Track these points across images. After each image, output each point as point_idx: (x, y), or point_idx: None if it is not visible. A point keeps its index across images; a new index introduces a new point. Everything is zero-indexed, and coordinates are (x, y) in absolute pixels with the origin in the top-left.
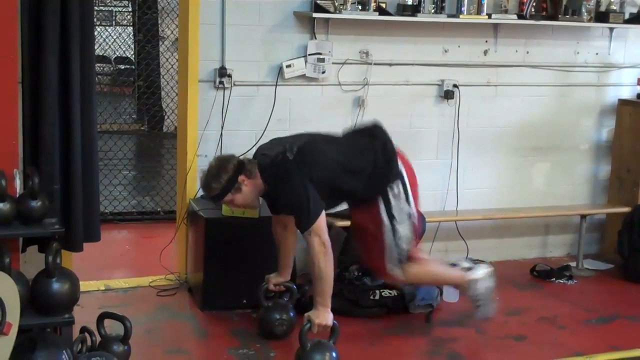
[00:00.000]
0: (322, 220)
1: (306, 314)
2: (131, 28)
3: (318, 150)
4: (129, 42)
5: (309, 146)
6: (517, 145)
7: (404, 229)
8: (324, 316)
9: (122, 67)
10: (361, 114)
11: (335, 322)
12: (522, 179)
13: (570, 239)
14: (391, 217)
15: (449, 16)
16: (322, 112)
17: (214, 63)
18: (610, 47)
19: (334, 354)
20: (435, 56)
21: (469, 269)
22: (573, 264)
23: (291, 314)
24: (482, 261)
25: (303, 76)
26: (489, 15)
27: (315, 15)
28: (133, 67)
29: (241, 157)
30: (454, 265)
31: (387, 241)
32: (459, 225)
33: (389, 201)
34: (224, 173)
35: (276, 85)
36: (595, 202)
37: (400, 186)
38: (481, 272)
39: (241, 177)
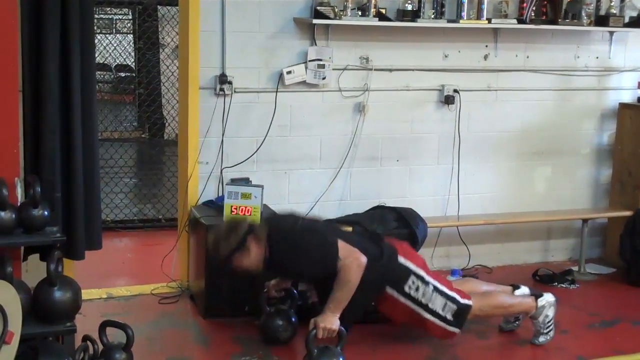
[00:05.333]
0: (341, 245)
1: (313, 319)
2: (131, 36)
3: (329, 226)
4: (130, 50)
5: (319, 221)
6: (518, 149)
7: (434, 303)
8: (330, 320)
9: (123, 74)
10: (362, 120)
11: (342, 327)
12: (524, 184)
13: (572, 243)
14: (418, 303)
15: (449, 21)
16: (323, 119)
17: (215, 70)
18: (610, 51)
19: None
20: (435, 61)
21: (538, 295)
22: (575, 268)
23: (293, 320)
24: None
25: (303, 82)
26: (489, 20)
27: (315, 21)
28: (133, 74)
29: (250, 222)
30: (516, 287)
31: (427, 316)
32: (460, 230)
33: (410, 295)
34: (233, 235)
35: (277, 91)
36: (597, 206)
37: (415, 279)
38: (549, 299)
39: (250, 240)
